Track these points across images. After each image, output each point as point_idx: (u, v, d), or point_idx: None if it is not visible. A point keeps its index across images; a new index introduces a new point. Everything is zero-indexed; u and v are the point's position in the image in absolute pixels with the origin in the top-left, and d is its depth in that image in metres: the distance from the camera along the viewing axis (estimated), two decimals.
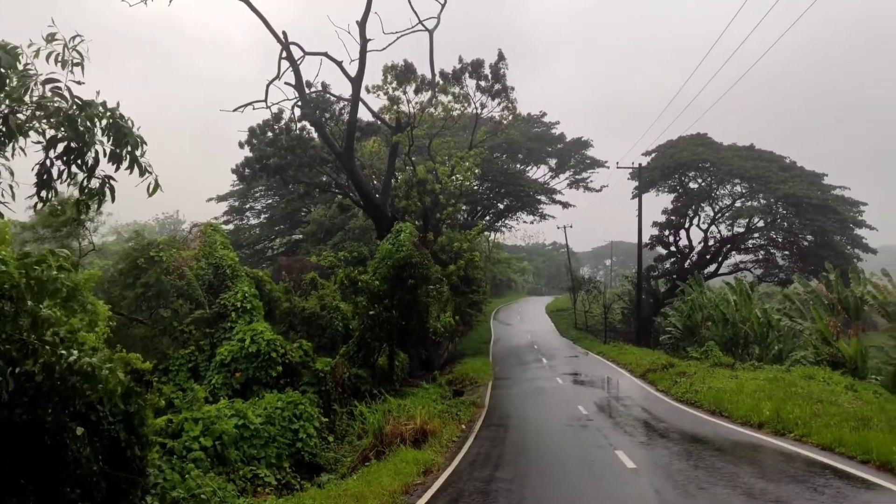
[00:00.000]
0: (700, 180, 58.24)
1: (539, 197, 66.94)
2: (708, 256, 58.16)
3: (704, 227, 58.19)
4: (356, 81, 35.94)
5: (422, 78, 38.29)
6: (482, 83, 39.70)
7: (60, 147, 6.51)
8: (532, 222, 76.02)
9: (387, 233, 32.03)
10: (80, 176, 6.66)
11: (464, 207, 57.40)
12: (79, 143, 6.44)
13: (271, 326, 26.25)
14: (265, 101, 36.93)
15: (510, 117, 44.16)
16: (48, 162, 6.54)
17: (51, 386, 7.89)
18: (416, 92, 38.68)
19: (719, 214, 57.94)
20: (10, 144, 6.43)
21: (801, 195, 51.35)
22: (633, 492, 11.16)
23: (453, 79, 39.04)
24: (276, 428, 19.38)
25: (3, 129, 6.27)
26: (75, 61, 6.54)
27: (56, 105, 6.44)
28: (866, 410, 16.04)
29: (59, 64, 6.49)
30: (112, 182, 6.81)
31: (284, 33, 34.83)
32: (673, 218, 57.49)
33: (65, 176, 6.63)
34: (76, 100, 6.40)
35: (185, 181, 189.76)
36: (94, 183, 6.72)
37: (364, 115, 41.14)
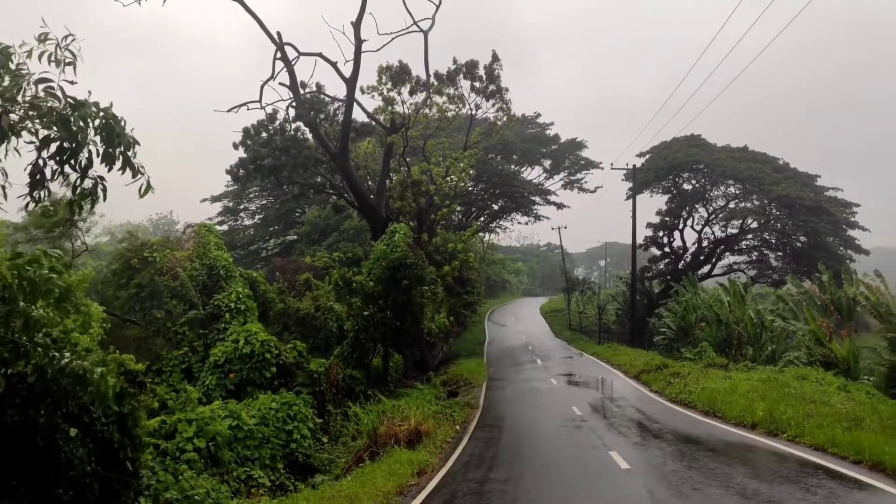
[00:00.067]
0: (694, 181, 58.40)
1: (533, 198, 67.03)
2: (702, 257, 58.31)
3: (698, 228, 58.40)
4: (351, 82, 35.94)
5: (416, 79, 38.31)
6: (477, 84, 39.76)
7: (53, 147, 6.49)
8: (526, 223, 76.15)
9: (381, 233, 32.01)
10: (73, 176, 6.64)
11: (458, 208, 57.39)
12: (72, 144, 6.42)
13: (265, 327, 26.21)
14: (259, 101, 36.98)
15: (505, 118, 44.22)
16: (41, 162, 6.51)
17: (43, 387, 7.85)
18: (411, 93, 38.70)
19: (713, 215, 58.12)
20: (3, 145, 6.40)
21: (794, 196, 51.55)
22: (627, 492, 11.18)
23: (448, 80, 39.06)
24: (270, 429, 19.36)
25: None
26: (67, 61, 6.51)
27: (49, 105, 6.42)
28: (859, 411, 16.11)
29: (53, 63, 6.47)
30: (104, 183, 6.78)
31: (279, 34, 34.84)
32: (667, 219, 57.63)
33: (58, 176, 6.60)
34: (69, 100, 6.38)
35: (179, 182, 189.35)
36: (87, 183, 6.69)
37: (359, 115, 41.18)
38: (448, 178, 41.38)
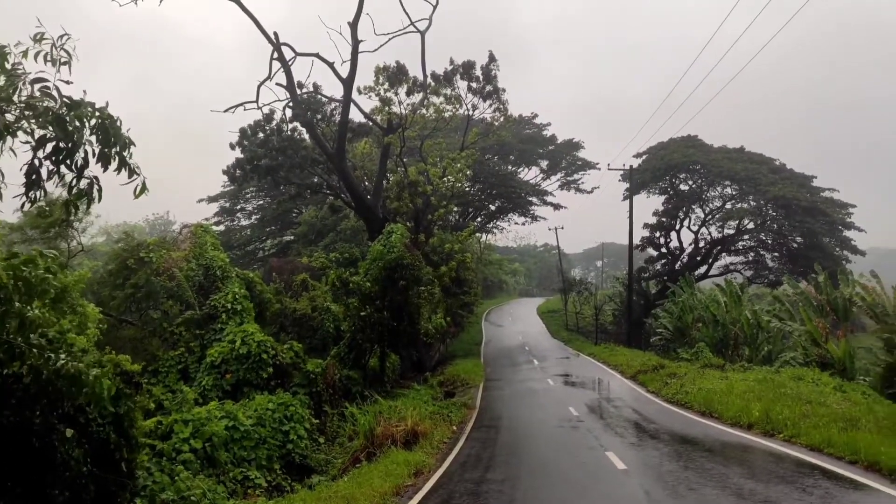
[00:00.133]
0: (691, 182, 58.50)
1: (530, 198, 67.04)
2: (698, 258, 58.42)
3: (695, 228, 58.54)
4: (348, 82, 35.91)
5: (413, 79, 38.30)
6: (473, 84, 39.75)
7: (49, 147, 6.47)
8: (523, 224, 76.11)
9: (378, 234, 31.99)
10: (69, 177, 6.62)
11: (455, 209, 57.41)
12: (67, 144, 6.40)
13: (262, 328, 26.15)
14: (256, 101, 36.91)
15: (501, 119, 44.24)
16: (37, 162, 6.50)
17: (39, 388, 7.83)
18: (408, 93, 38.69)
19: (710, 216, 58.24)
20: None
21: (790, 197, 51.67)
22: (624, 493, 11.19)
23: (445, 80, 39.06)
24: (266, 429, 19.32)
25: None
26: (63, 60, 6.50)
27: (45, 105, 6.40)
28: (854, 411, 16.15)
29: (49, 62, 6.46)
30: (99, 184, 6.76)
31: (276, 34, 34.81)
32: (664, 219, 57.70)
33: (53, 176, 6.59)
34: (65, 99, 6.36)
35: (175, 182, 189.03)
36: (83, 183, 6.67)
37: (356, 116, 41.19)
38: (445, 179, 41.39)
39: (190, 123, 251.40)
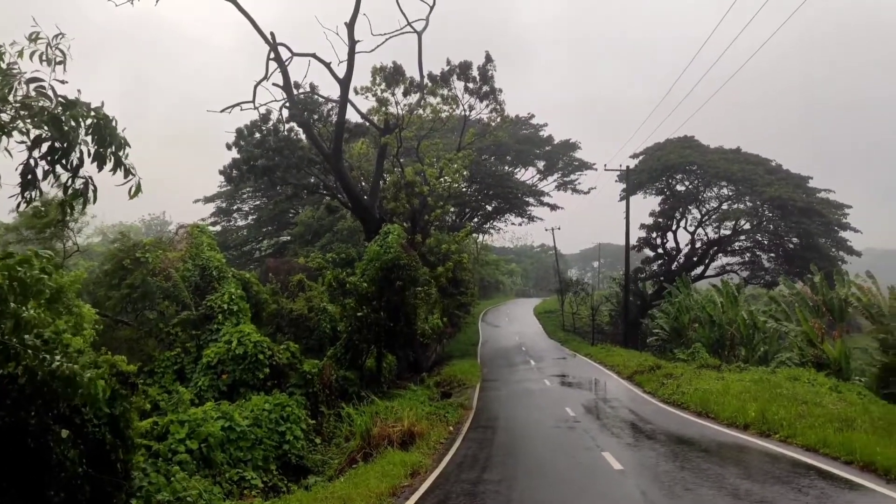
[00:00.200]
0: (687, 183, 58.56)
1: (527, 199, 67.03)
2: (695, 258, 58.47)
3: (691, 229, 58.55)
4: (344, 83, 35.89)
5: (410, 80, 38.29)
6: (470, 85, 39.73)
7: (45, 147, 6.45)
8: (520, 224, 76.31)
9: (375, 234, 31.98)
10: (65, 177, 6.60)
11: (452, 209, 57.41)
12: (63, 144, 6.39)
13: (258, 328, 26.12)
14: (253, 102, 36.84)
15: (498, 119, 44.25)
16: (32, 162, 6.48)
17: (34, 389, 7.81)
18: (405, 94, 38.67)
19: (706, 217, 58.28)
20: None
21: (786, 198, 51.75)
22: (620, 493, 11.20)
23: (441, 81, 39.04)
24: (262, 430, 19.30)
25: None
26: (58, 60, 6.48)
27: (40, 105, 6.39)
28: (850, 411, 16.20)
29: (45, 62, 6.44)
30: (94, 184, 6.75)
31: (272, 34, 34.79)
32: (660, 220, 57.75)
33: (49, 176, 6.57)
34: (60, 99, 6.35)
35: (172, 182, 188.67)
36: (78, 183, 6.66)
37: (352, 116, 41.13)
38: (442, 179, 41.37)
39: (186, 123, 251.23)
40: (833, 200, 55.11)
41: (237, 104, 36.66)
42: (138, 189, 6.90)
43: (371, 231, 36.35)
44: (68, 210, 7.09)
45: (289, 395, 22.22)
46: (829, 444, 13.24)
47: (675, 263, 57.85)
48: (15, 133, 6.47)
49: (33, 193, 6.63)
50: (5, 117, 6.39)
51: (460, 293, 47.70)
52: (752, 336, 33.39)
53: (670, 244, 58.67)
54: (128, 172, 6.79)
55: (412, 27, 36.71)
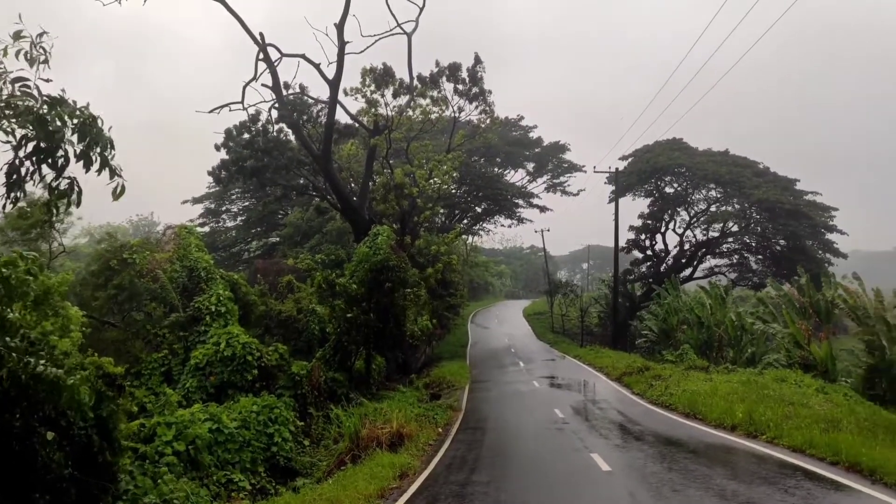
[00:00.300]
0: (676, 185, 58.84)
1: (517, 201, 67.04)
2: (683, 260, 58.74)
3: (680, 231, 58.83)
4: (334, 84, 35.84)
5: (400, 81, 38.29)
6: (460, 86, 39.77)
7: (30, 147, 6.40)
8: (510, 226, 76.39)
9: (364, 236, 31.93)
10: (50, 177, 6.55)
11: (441, 211, 57.37)
12: (49, 143, 6.34)
13: (247, 330, 26.03)
14: (242, 102, 36.74)
15: (488, 121, 44.31)
16: (17, 162, 6.42)
17: (19, 391, 7.74)
18: (395, 95, 38.66)
19: (695, 219, 58.57)
20: None
21: (773, 200, 52.09)
22: (608, 494, 11.22)
23: (431, 82, 39.06)
24: (251, 432, 19.21)
25: None
26: (42, 59, 6.43)
27: (26, 104, 6.34)
28: (836, 412, 16.31)
29: (28, 61, 6.39)
30: (79, 185, 6.69)
31: (262, 34, 34.69)
32: (649, 222, 58.00)
33: (34, 176, 6.51)
34: (45, 98, 6.29)
35: (160, 183, 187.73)
36: (63, 184, 6.60)
37: (342, 117, 41.05)
38: (431, 181, 41.35)
39: (175, 124, 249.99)
40: (820, 203, 55.56)
41: (226, 105, 36.59)
42: (122, 190, 6.86)
43: (360, 232, 36.29)
44: (54, 211, 7.03)
45: (277, 396, 22.14)
46: (815, 444, 13.32)
47: (664, 265, 58.12)
48: (0, 133, 6.41)
49: (18, 194, 6.58)
50: None
51: (450, 295, 47.69)
52: (739, 338, 33.57)
53: (659, 246, 58.99)
54: (113, 173, 6.75)
55: (402, 28, 36.77)
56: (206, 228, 63.63)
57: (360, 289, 27.02)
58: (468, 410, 24.92)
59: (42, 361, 7.13)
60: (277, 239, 62.33)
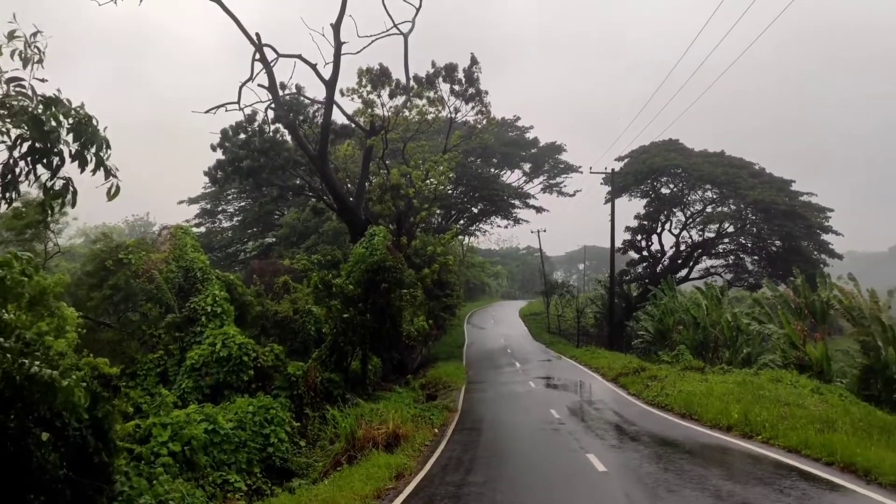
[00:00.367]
0: (672, 186, 58.91)
1: (513, 201, 67.08)
2: (679, 261, 58.80)
3: (676, 232, 58.87)
4: (330, 84, 35.82)
5: (396, 82, 38.33)
6: (456, 87, 39.84)
7: (25, 147, 6.38)
8: (506, 226, 76.34)
9: (360, 236, 31.91)
10: (45, 177, 6.53)
11: (438, 211, 57.38)
12: (44, 143, 6.32)
13: (243, 330, 26.00)
14: (238, 103, 36.71)
15: (484, 121, 44.35)
16: (12, 162, 6.41)
17: (13, 392, 7.71)
18: (391, 95, 38.72)
19: (691, 220, 58.65)
20: None
21: (769, 201, 52.21)
22: (604, 495, 11.23)
23: (427, 83, 39.09)
24: (246, 433, 19.19)
25: None
26: (37, 58, 6.42)
27: (21, 104, 6.32)
28: (831, 413, 16.33)
29: (23, 60, 6.37)
30: (73, 186, 6.67)
31: (258, 35, 34.64)
32: (645, 223, 58.06)
33: (29, 176, 6.49)
34: (40, 97, 6.28)
35: (156, 183, 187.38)
36: (58, 184, 6.59)
37: (338, 118, 41.06)
38: (427, 181, 41.38)
39: (173, 124, 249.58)
40: (815, 204, 55.69)
41: (222, 105, 36.53)
42: (117, 191, 6.84)
43: (357, 233, 36.27)
44: (49, 211, 7.01)
45: (273, 397, 22.11)
46: (810, 445, 13.34)
47: (660, 266, 58.17)
48: None
49: (13, 194, 6.56)
50: None
51: (446, 295, 47.68)
52: (735, 338, 33.60)
53: (655, 247, 59.02)
54: (108, 173, 6.73)
55: (398, 29, 36.76)
56: (203, 229, 63.57)
57: (356, 289, 27.01)
58: (464, 411, 24.92)
59: (37, 362, 7.10)
60: (274, 239, 62.30)
